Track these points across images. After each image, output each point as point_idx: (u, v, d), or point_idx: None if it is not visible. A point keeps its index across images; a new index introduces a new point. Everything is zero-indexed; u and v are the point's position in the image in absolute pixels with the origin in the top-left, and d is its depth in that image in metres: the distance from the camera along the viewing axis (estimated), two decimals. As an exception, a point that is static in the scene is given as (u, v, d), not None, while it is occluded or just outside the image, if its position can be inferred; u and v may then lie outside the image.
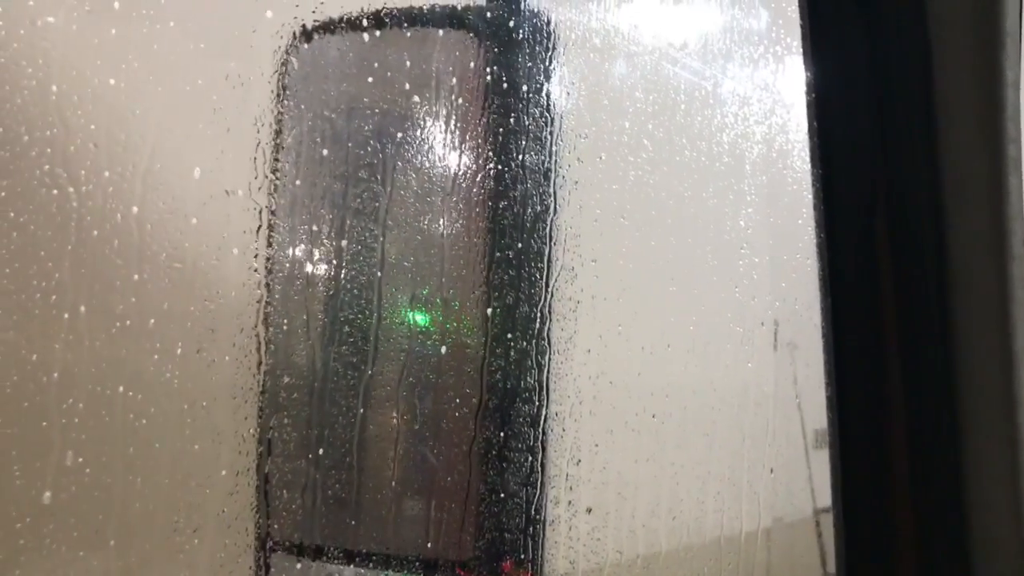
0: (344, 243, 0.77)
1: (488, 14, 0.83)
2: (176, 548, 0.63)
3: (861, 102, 0.98)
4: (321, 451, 0.75)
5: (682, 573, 1.00)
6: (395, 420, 0.78)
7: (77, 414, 0.58)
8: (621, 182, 0.93)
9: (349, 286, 0.77)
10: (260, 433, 0.69)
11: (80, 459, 0.58)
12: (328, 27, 0.78)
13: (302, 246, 0.75)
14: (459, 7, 0.83)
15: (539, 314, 0.81)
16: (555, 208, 0.83)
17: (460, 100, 0.81)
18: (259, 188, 0.67)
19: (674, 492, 1.00)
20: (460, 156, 0.81)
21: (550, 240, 0.82)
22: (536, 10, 0.84)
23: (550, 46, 0.85)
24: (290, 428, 0.73)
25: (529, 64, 0.84)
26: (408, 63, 0.81)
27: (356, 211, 0.78)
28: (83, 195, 0.58)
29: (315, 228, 0.76)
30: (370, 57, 0.80)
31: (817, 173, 0.99)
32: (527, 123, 0.82)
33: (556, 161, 0.83)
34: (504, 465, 0.79)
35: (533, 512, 0.80)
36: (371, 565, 0.78)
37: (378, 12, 0.79)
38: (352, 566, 0.78)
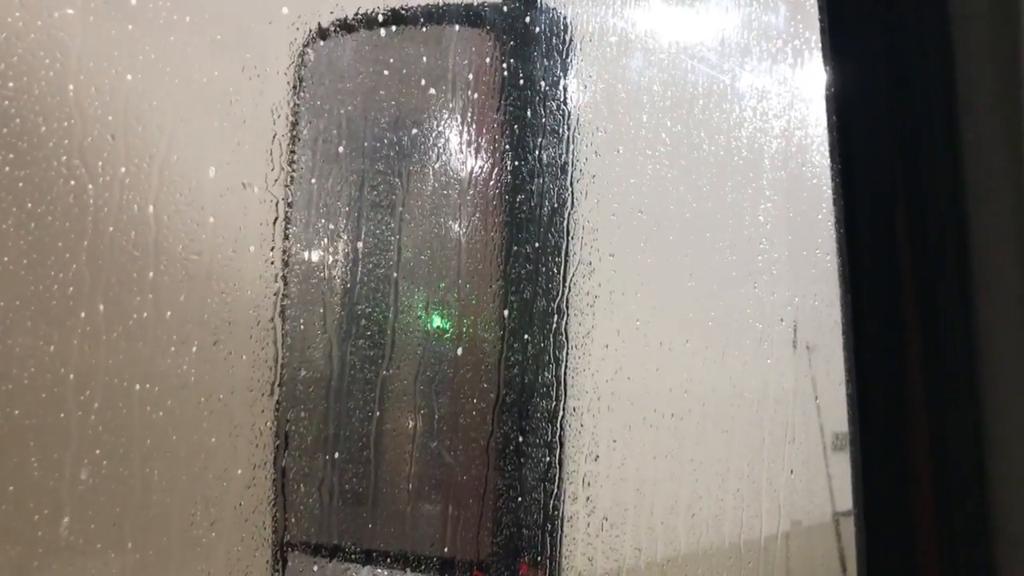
0: (361, 236, 0.77)
1: (504, 9, 0.83)
2: (193, 542, 0.63)
3: (881, 97, 0.97)
4: (337, 446, 0.75)
5: (701, 572, 0.99)
6: (412, 415, 0.77)
7: (94, 406, 0.58)
8: (639, 176, 0.92)
9: (366, 279, 0.77)
10: (277, 427, 0.68)
11: (97, 451, 0.58)
12: (345, 22, 0.78)
13: (319, 239, 0.75)
14: (476, 2, 0.83)
15: (556, 309, 0.81)
16: (572, 202, 0.82)
17: (477, 95, 0.80)
18: (276, 180, 0.67)
19: (693, 490, 0.99)
20: (477, 151, 0.80)
21: (567, 235, 0.82)
22: (552, 5, 0.84)
23: (566, 40, 0.84)
24: (307, 422, 0.73)
25: (545, 59, 0.83)
26: (425, 58, 0.80)
27: (373, 205, 0.78)
28: (100, 186, 0.57)
29: (332, 221, 0.76)
30: (387, 52, 0.80)
31: (836, 168, 0.98)
32: (544, 117, 0.82)
33: (573, 155, 0.83)
34: (522, 462, 0.78)
35: (551, 509, 0.79)
36: (387, 563, 0.78)
37: (395, 8, 0.79)
38: (368, 564, 0.77)
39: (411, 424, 0.78)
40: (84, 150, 0.57)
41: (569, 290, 0.82)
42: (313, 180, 0.74)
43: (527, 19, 0.83)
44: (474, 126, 0.80)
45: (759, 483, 1.07)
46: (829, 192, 0.98)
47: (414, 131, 0.80)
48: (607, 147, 0.88)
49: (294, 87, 0.71)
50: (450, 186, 0.79)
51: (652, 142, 0.93)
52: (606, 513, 0.87)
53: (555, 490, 0.80)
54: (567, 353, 0.81)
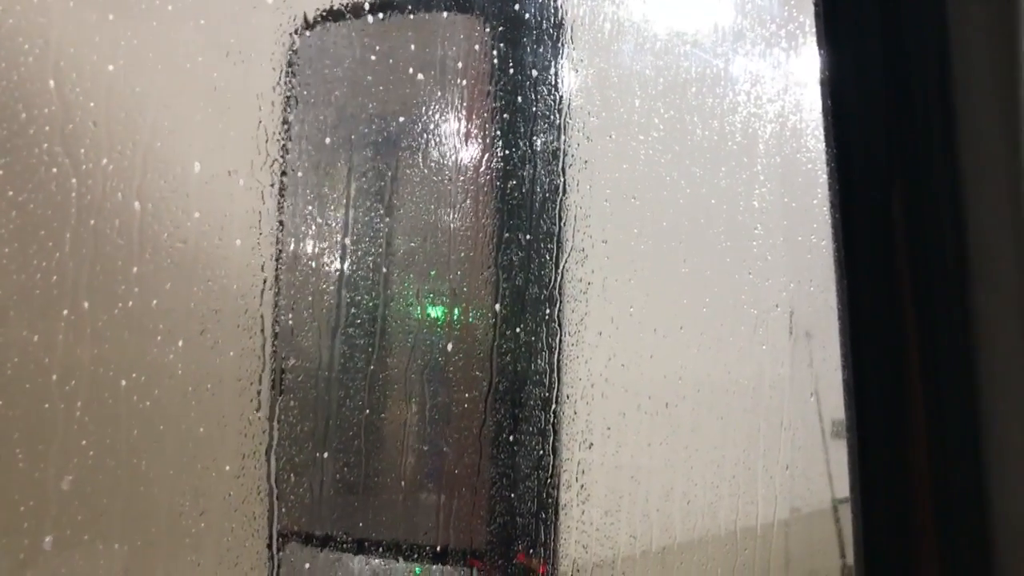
0: (350, 224, 0.76)
1: (494, -7, 0.82)
2: (182, 532, 0.63)
3: (876, 81, 0.96)
4: (328, 435, 0.75)
5: (697, 559, 0.99)
6: (404, 404, 0.77)
7: (80, 397, 0.57)
8: (632, 162, 0.91)
9: (356, 268, 0.76)
10: (266, 416, 0.68)
11: (83, 442, 0.57)
12: (333, 9, 0.77)
13: (307, 227, 0.74)
14: (466, -13, 0.82)
15: (549, 296, 0.80)
16: (565, 189, 0.82)
17: (467, 81, 0.80)
18: (262, 167, 0.66)
19: (688, 477, 0.98)
20: (467, 137, 0.80)
21: (560, 221, 0.81)
22: (543, -11, 0.83)
23: (557, 25, 0.84)
24: (297, 411, 0.72)
25: (536, 44, 0.82)
26: (415, 44, 0.80)
27: (362, 192, 0.77)
28: (83, 174, 0.57)
29: (320, 208, 0.75)
30: (376, 39, 0.79)
31: (831, 153, 0.97)
32: (535, 103, 0.81)
33: (565, 141, 0.82)
34: (515, 450, 0.78)
35: (545, 497, 0.79)
36: (380, 553, 0.78)
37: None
38: (361, 554, 0.77)
39: (403, 413, 0.77)
40: (66, 137, 0.56)
41: (562, 277, 0.81)
42: (301, 168, 0.73)
43: (517, 4, 0.82)
44: (464, 113, 0.80)
45: (755, 470, 1.07)
46: (824, 177, 0.97)
47: (403, 118, 0.79)
48: (599, 133, 0.87)
49: (282, 74, 0.71)
50: (441, 173, 0.79)
51: (645, 127, 0.92)
52: (600, 501, 0.86)
53: (549, 478, 0.80)
54: (560, 340, 0.81)
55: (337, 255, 0.76)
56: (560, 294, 0.81)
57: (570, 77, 0.84)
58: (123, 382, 0.59)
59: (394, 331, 0.77)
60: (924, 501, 0.89)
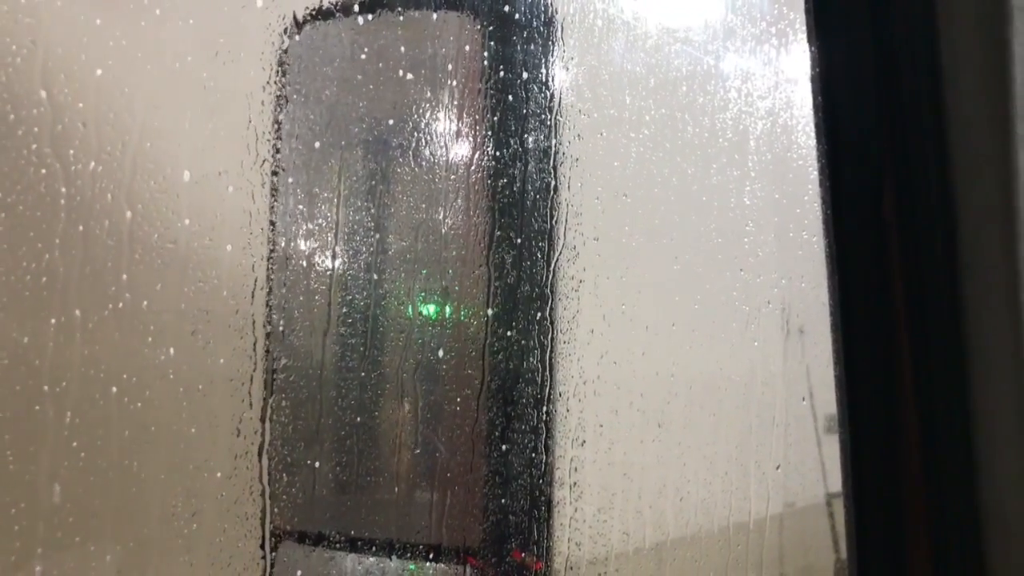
0: (341, 222, 0.76)
1: (485, -9, 0.82)
2: (174, 533, 0.62)
3: (866, 77, 0.96)
4: (321, 435, 0.74)
5: (691, 555, 0.99)
6: (396, 403, 0.77)
7: (70, 398, 0.57)
8: (623, 159, 0.91)
9: (347, 266, 0.76)
10: (258, 416, 0.68)
11: (74, 444, 0.57)
12: (323, 9, 0.77)
13: (298, 227, 0.74)
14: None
15: (541, 294, 0.80)
16: (556, 186, 0.82)
17: (458, 78, 0.80)
18: (252, 167, 0.66)
19: (681, 474, 0.99)
20: (458, 135, 0.80)
21: (551, 218, 0.81)
22: (534, -14, 0.83)
23: (548, 22, 0.83)
24: (289, 411, 0.72)
25: (527, 41, 0.82)
26: (406, 41, 0.80)
27: (353, 191, 0.77)
28: (72, 175, 0.57)
29: (311, 208, 0.75)
30: (367, 38, 0.79)
31: (822, 149, 0.97)
32: (526, 101, 0.81)
33: (556, 138, 0.82)
34: (508, 448, 0.78)
35: (538, 495, 0.79)
36: (373, 551, 0.78)
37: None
38: (354, 552, 0.77)
39: (396, 412, 0.77)
40: (55, 138, 0.56)
41: (554, 275, 0.81)
42: (291, 167, 0.73)
43: (507, 2, 0.82)
44: (455, 111, 0.80)
45: (748, 466, 1.07)
46: (816, 173, 0.97)
47: (395, 117, 0.79)
48: (590, 130, 0.87)
49: (272, 74, 0.70)
50: (432, 172, 0.79)
51: (636, 125, 0.92)
52: (593, 498, 0.87)
53: (542, 476, 0.80)
54: (552, 338, 0.81)
55: (328, 254, 0.76)
56: (552, 292, 0.81)
57: (561, 75, 0.84)
58: (114, 383, 0.59)
59: (386, 330, 0.77)
60: (916, 495, 0.89)
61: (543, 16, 0.83)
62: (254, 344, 0.66)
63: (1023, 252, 0.83)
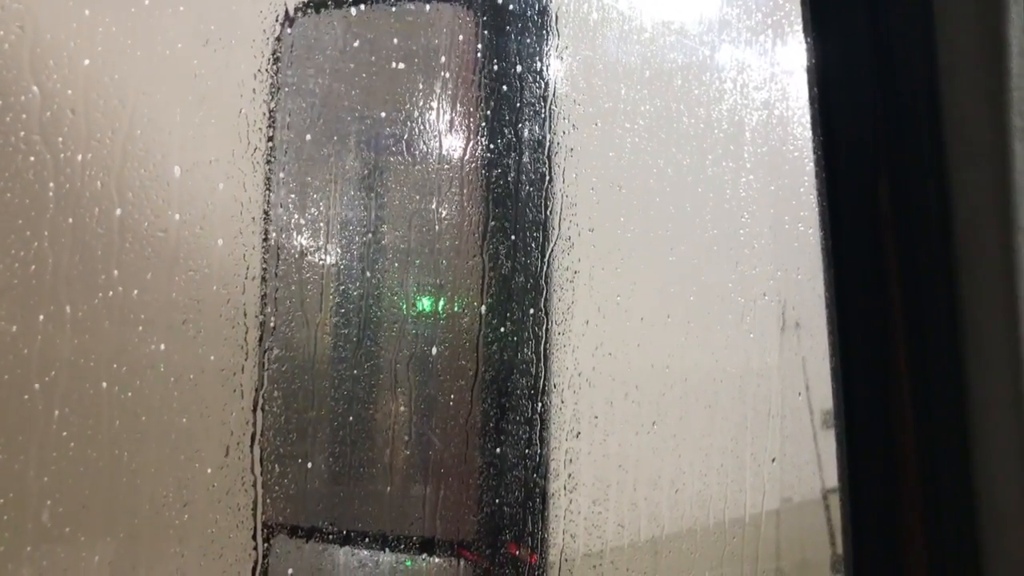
0: (334, 213, 0.76)
1: (479, -19, 0.82)
2: (166, 524, 0.62)
3: (863, 69, 0.96)
4: (313, 426, 0.74)
5: (686, 548, 0.99)
6: (390, 395, 0.77)
7: (60, 388, 0.57)
8: (618, 150, 0.91)
9: (340, 256, 0.76)
10: (250, 407, 0.67)
11: (64, 434, 0.57)
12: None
13: (291, 216, 0.74)
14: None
15: (536, 285, 0.80)
16: (551, 177, 0.81)
17: (452, 69, 0.79)
18: (243, 156, 0.65)
19: (676, 466, 0.98)
20: (453, 126, 0.79)
21: (546, 209, 0.81)
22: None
23: (542, 12, 0.83)
24: (280, 401, 0.72)
25: (521, 32, 0.82)
26: (400, 31, 0.79)
27: (347, 181, 0.77)
28: (61, 162, 0.56)
29: (303, 197, 0.75)
30: (361, 26, 0.79)
31: (818, 141, 0.97)
32: (521, 92, 0.81)
33: (551, 129, 0.82)
34: (503, 438, 0.77)
35: (533, 486, 0.78)
36: (366, 544, 0.77)
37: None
38: (347, 545, 0.77)
39: (389, 403, 0.77)
40: (44, 125, 0.56)
41: (548, 266, 0.81)
42: (284, 157, 0.73)
43: (502, -8, 0.81)
44: (450, 102, 0.79)
45: (743, 459, 1.07)
46: (811, 165, 0.97)
47: (388, 108, 0.78)
48: (585, 121, 0.87)
49: (265, 63, 0.70)
50: (426, 162, 0.78)
51: (631, 116, 0.92)
52: (588, 490, 0.86)
53: (537, 467, 0.79)
54: (547, 329, 0.80)
55: (321, 244, 0.75)
56: (547, 283, 0.81)
57: (555, 65, 0.84)
58: (104, 373, 0.59)
59: (379, 321, 0.77)
60: (912, 489, 0.89)
61: (537, 6, 0.83)
62: (245, 334, 0.66)
63: (1020, 245, 0.82)
